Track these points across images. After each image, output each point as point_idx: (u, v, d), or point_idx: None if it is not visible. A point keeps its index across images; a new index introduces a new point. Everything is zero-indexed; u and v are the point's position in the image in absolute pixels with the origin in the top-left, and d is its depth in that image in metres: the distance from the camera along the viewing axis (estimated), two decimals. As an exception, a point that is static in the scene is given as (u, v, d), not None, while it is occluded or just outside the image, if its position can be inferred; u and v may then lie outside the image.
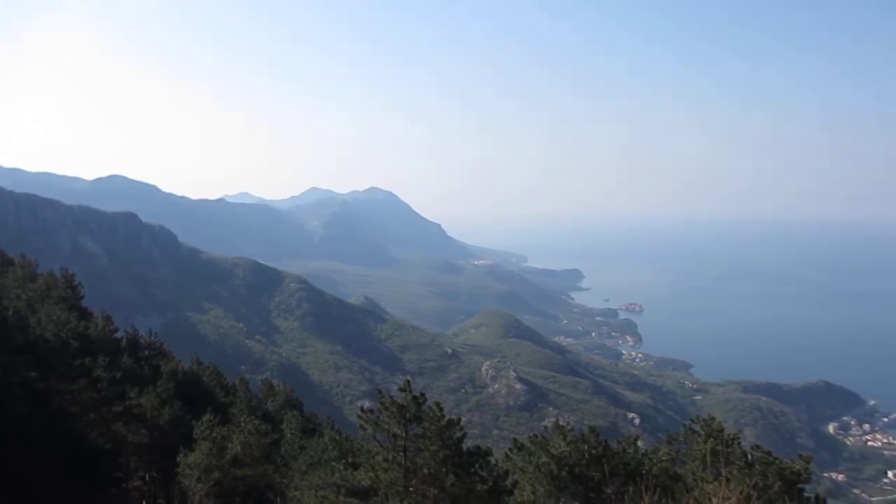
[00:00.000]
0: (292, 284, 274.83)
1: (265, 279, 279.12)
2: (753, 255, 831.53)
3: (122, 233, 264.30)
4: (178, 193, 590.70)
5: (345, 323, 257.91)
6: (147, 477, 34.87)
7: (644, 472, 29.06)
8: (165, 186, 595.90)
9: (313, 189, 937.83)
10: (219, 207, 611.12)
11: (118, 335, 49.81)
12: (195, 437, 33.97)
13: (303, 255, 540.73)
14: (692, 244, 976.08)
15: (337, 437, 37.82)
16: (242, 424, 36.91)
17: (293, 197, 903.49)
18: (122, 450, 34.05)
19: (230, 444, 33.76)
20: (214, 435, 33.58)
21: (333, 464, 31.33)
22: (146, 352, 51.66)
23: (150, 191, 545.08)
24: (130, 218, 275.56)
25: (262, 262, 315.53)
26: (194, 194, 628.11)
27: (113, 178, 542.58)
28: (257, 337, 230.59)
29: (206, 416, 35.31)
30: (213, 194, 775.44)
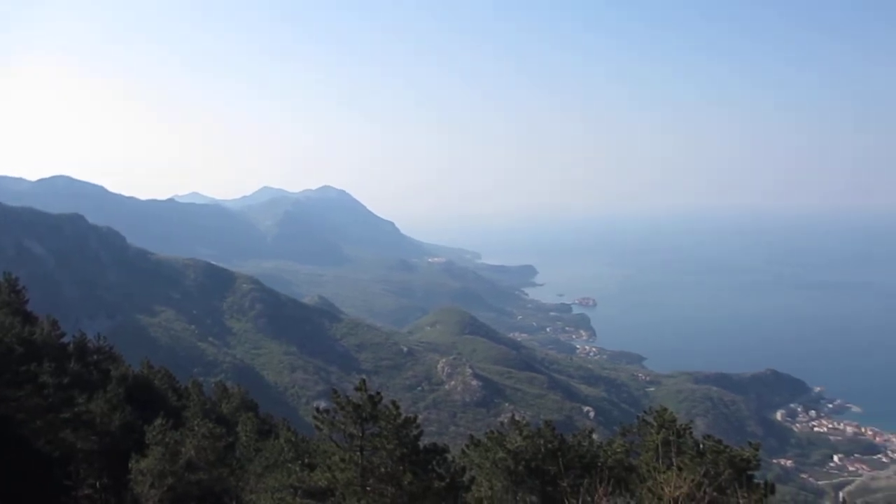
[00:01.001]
0: (245, 285, 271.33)
1: (217, 280, 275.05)
2: (706, 248, 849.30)
3: (69, 235, 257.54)
4: (126, 194, 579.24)
5: (299, 323, 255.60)
6: (98, 484, 34.12)
7: (599, 464, 29.49)
8: (113, 187, 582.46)
9: (265, 188, 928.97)
10: (168, 208, 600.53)
11: (65, 340, 48.64)
12: (147, 442, 33.37)
13: (255, 255, 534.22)
14: (645, 239, 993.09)
15: (293, 439, 37.53)
16: (196, 428, 36.38)
17: (245, 196, 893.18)
18: (72, 457, 33.27)
19: (184, 449, 33.28)
20: (167, 440, 33.05)
21: (290, 465, 31.10)
22: (95, 356, 50.55)
23: (96, 191, 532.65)
24: (77, 219, 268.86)
25: (213, 262, 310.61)
26: (143, 194, 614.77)
27: (57, 179, 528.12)
28: (210, 339, 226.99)
29: (159, 421, 34.71)
30: (162, 194, 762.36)
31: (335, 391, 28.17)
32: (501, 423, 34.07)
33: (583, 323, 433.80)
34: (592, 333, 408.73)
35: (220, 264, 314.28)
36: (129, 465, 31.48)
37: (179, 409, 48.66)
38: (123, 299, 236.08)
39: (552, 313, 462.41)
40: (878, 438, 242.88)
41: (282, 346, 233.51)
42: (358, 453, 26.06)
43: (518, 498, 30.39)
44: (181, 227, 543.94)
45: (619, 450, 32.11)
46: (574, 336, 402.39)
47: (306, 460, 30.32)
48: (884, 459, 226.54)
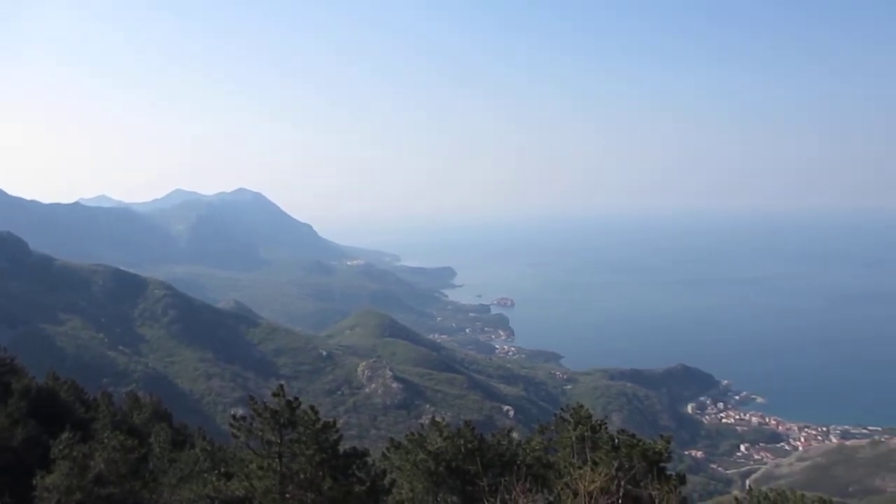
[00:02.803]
0: (157, 291, 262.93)
1: (127, 286, 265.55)
2: (624, 249, 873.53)
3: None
4: (28, 197, 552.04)
5: (215, 329, 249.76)
6: (-1, 503, 32.59)
7: (518, 462, 29.95)
8: (12, 189, 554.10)
9: (177, 191, 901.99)
10: (74, 211, 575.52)
11: (-38, 352, 46.17)
12: (53, 457, 31.99)
13: (168, 259, 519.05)
14: (566, 240, 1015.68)
15: (209, 448, 36.73)
16: (106, 441, 35.07)
17: (156, 199, 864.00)
18: (-30, 476, 31.65)
19: (93, 463, 32.01)
20: (75, 454, 31.73)
21: (206, 475, 30.44)
22: (-6, 369, 48.13)
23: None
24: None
25: (123, 268, 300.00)
26: (46, 198, 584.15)
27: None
28: (120, 347, 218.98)
29: (65, 435, 33.30)
30: (67, 198, 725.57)
31: (252, 398, 27.77)
32: (422, 425, 34.18)
33: (501, 323, 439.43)
34: (511, 333, 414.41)
35: (131, 270, 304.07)
36: (34, 481, 30.13)
37: (88, 421, 46.83)
38: (26, 308, 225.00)
39: (471, 314, 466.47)
40: (780, 427, 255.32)
41: (196, 353, 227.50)
42: (276, 460, 25.72)
43: (439, 499, 30.57)
44: (88, 232, 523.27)
45: (537, 447, 32.72)
46: (493, 336, 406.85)
47: (223, 469, 29.72)
48: (786, 447, 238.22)
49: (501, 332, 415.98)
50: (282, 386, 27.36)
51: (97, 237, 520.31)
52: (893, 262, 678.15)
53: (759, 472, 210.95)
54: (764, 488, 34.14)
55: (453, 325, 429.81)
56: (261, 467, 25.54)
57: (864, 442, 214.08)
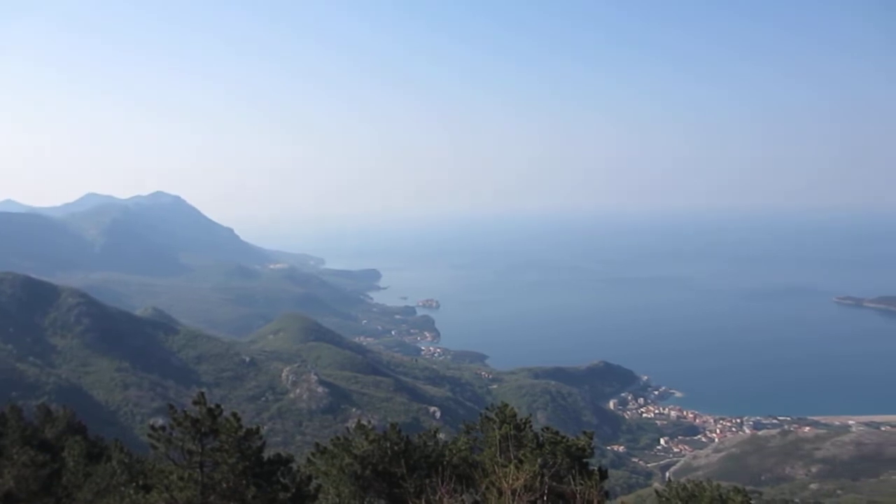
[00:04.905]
0: (70, 299, 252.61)
1: (37, 294, 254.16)
2: (543, 249, 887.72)
3: None
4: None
5: (131, 337, 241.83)
6: None
7: (444, 462, 30.12)
8: None
9: (90, 195, 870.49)
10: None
11: None
12: (-42, 475, 30.54)
13: (81, 266, 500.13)
14: (485, 242, 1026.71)
15: (126, 460, 35.59)
16: (15, 457, 33.64)
17: (67, 204, 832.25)
18: None
19: (1, 480, 30.72)
20: (-19, 471, 30.39)
21: (123, 488, 29.48)
22: None
23: None
24: None
25: (33, 275, 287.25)
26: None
27: None
28: (30, 359, 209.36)
29: (-29, 451, 31.85)
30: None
31: (172, 406, 27.10)
32: (348, 429, 33.99)
33: (427, 324, 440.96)
34: (437, 334, 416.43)
35: (42, 277, 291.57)
36: (-63, 502, 28.69)
37: (-5, 436, 44.77)
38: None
39: (397, 316, 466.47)
40: (697, 420, 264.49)
41: (113, 363, 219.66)
42: (198, 470, 25.14)
43: (366, 503, 30.46)
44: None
45: (462, 447, 32.93)
46: (419, 338, 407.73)
47: (141, 482, 28.83)
48: (703, 439, 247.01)
49: (427, 334, 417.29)
50: (202, 393, 26.73)
51: (4, 243, 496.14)
52: (821, 260, 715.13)
53: (679, 465, 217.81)
54: (682, 480, 35.36)
55: (379, 327, 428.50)
56: (181, 478, 24.90)
57: (774, 432, 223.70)
